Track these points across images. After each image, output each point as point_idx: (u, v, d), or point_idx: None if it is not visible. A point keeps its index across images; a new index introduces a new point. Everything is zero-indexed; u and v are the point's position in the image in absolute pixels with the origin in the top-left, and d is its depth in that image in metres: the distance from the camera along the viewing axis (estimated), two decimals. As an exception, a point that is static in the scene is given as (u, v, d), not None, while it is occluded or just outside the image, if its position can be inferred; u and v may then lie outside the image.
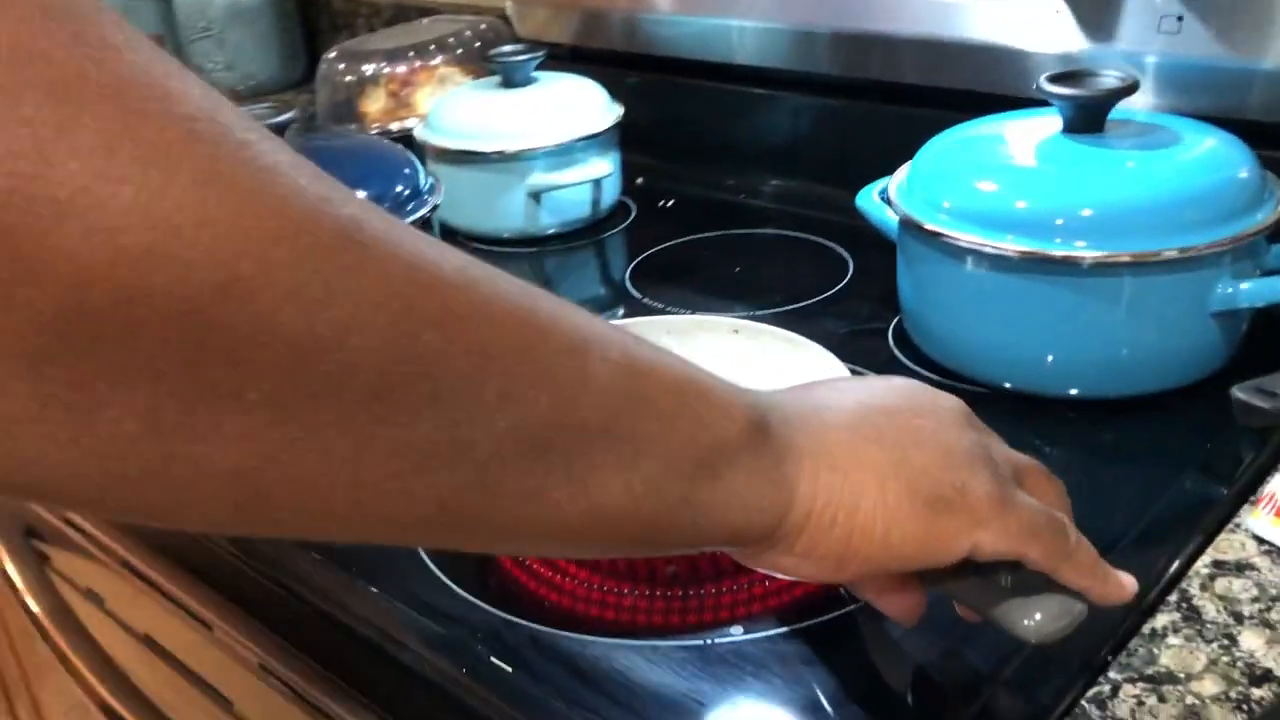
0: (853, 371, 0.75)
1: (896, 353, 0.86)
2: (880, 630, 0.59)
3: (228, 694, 0.80)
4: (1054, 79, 0.77)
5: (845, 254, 1.03)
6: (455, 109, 1.12)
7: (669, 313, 0.94)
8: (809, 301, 0.95)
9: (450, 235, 1.15)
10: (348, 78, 1.39)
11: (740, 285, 1.00)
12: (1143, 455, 0.73)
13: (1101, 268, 0.73)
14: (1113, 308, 0.74)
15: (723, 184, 1.22)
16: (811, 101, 1.17)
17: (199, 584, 0.78)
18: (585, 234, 1.14)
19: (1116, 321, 0.75)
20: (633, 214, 1.18)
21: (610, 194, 1.15)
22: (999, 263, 0.76)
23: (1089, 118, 0.77)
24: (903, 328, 0.87)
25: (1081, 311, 0.75)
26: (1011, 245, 0.75)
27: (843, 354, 0.79)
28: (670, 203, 1.20)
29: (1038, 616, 0.49)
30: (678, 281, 1.03)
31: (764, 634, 0.59)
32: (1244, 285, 0.73)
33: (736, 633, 0.60)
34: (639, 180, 1.23)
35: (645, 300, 0.99)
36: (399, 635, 0.62)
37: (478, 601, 0.63)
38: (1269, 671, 0.54)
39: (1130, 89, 0.76)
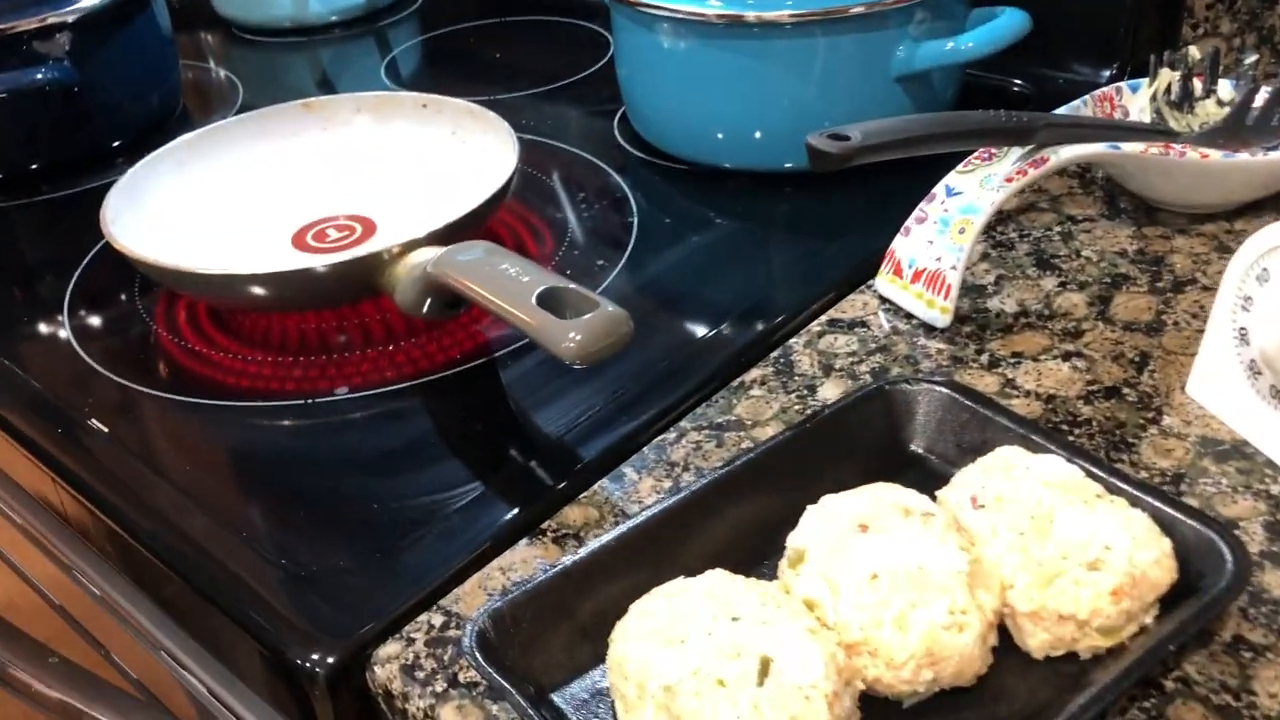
0: (564, 152, 0.74)
1: (620, 140, 0.84)
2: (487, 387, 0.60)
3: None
4: None
5: (610, 38, 1.00)
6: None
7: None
8: (556, 85, 0.93)
9: (221, 25, 1.11)
10: None
11: (497, 70, 0.98)
12: (822, 223, 0.72)
13: (795, 28, 0.71)
14: (807, 75, 0.72)
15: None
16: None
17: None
18: (365, 22, 1.10)
19: (812, 90, 0.73)
20: (417, 1, 1.14)
21: (389, -19, 1.11)
22: (700, 30, 0.73)
23: None
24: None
25: (780, 80, 0.73)
26: (710, 10, 0.72)
27: (565, 138, 0.78)
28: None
29: (577, 337, 0.49)
30: (452, 69, 1.01)
31: (370, 392, 0.60)
32: (928, 46, 0.71)
33: (341, 391, 0.60)
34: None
35: (417, 89, 0.96)
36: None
37: (112, 376, 0.64)
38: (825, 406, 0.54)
39: None
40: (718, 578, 0.43)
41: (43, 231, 0.81)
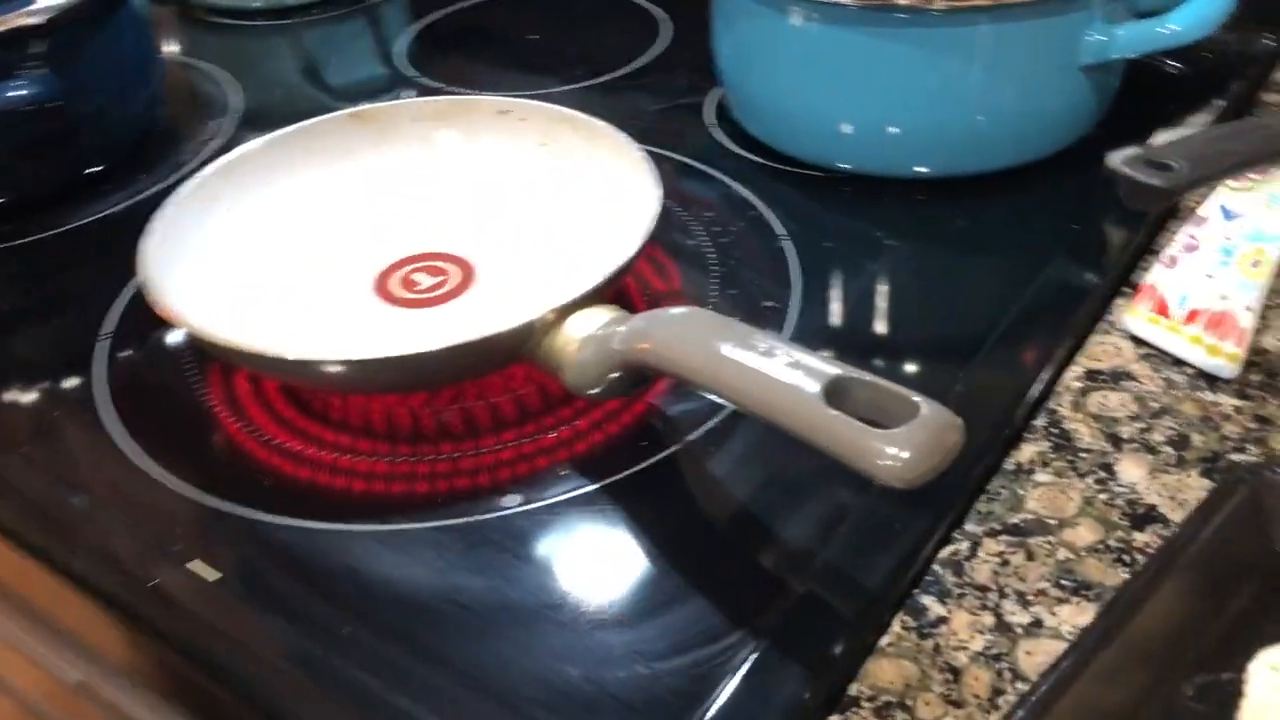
0: (659, 157, 0.61)
1: (716, 134, 0.71)
2: (702, 476, 0.48)
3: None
4: None
5: (661, 14, 0.87)
6: None
7: (450, 94, 0.78)
8: (616, 74, 0.80)
9: (184, 7, 0.94)
10: None
11: (536, 56, 0.84)
12: (1001, 242, 0.61)
13: (954, 15, 0.59)
14: (967, 65, 0.61)
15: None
16: None
17: None
18: (353, 1, 0.94)
19: (971, 82, 0.62)
20: (411, -26, 0.98)
21: (381, -49, 0.95)
22: (833, 14, 0.62)
23: None
24: (724, 103, 0.73)
25: (930, 71, 0.61)
26: (850, -8, 0.60)
27: (651, 138, 0.64)
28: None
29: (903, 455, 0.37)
30: (464, 56, 0.86)
31: (547, 501, 0.47)
32: (1118, 31, 0.61)
33: (512, 503, 0.47)
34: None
35: (422, 79, 0.82)
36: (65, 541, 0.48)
37: (178, 482, 0.49)
38: (1152, 509, 0.44)
39: None
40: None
41: (28, 290, 0.65)
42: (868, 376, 0.39)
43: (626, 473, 0.48)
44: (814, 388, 0.39)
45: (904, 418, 0.38)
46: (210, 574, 0.45)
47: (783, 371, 0.40)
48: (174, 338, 0.57)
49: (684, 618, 0.42)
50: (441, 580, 0.44)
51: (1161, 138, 0.65)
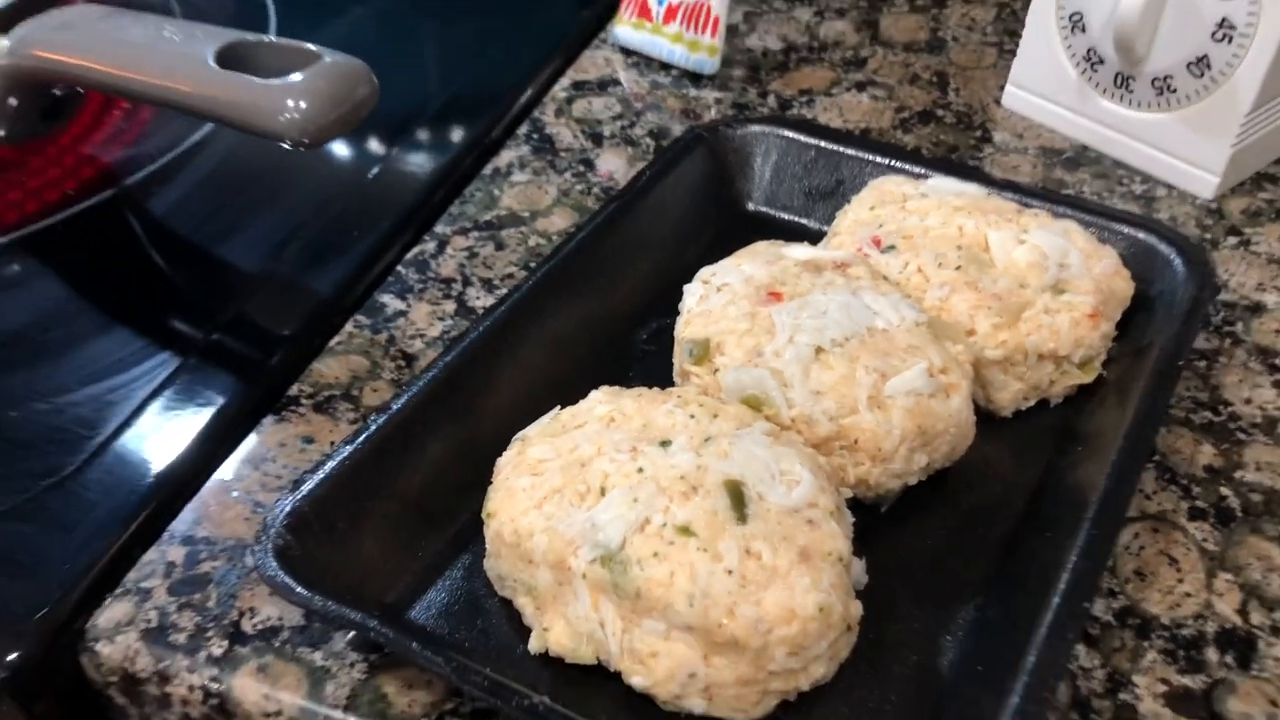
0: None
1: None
2: (144, 216, 0.42)
3: None
4: None
5: None
6: None
7: None
8: None
9: None
10: None
11: None
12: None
13: None
14: None
15: None
16: None
17: None
18: None
19: None
20: None
21: None
22: None
23: None
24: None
25: None
26: None
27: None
28: None
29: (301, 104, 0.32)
30: None
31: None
32: None
33: (-101, 266, 0.39)
34: None
35: None
36: None
37: None
38: (615, 186, 0.42)
39: None
40: (610, 396, 0.30)
41: None
42: (265, 37, 0.35)
43: (50, 221, 0.41)
44: (206, 51, 0.34)
45: (304, 68, 0.33)
46: None
47: (174, 42, 0.35)
48: None
49: (108, 346, 0.36)
50: None
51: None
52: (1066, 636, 0.26)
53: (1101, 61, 0.43)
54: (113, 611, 0.29)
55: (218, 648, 0.28)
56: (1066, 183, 0.43)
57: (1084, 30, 0.44)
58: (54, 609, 0.29)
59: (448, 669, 0.25)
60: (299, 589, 0.26)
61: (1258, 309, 0.38)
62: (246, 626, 0.29)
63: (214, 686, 0.28)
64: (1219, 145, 0.41)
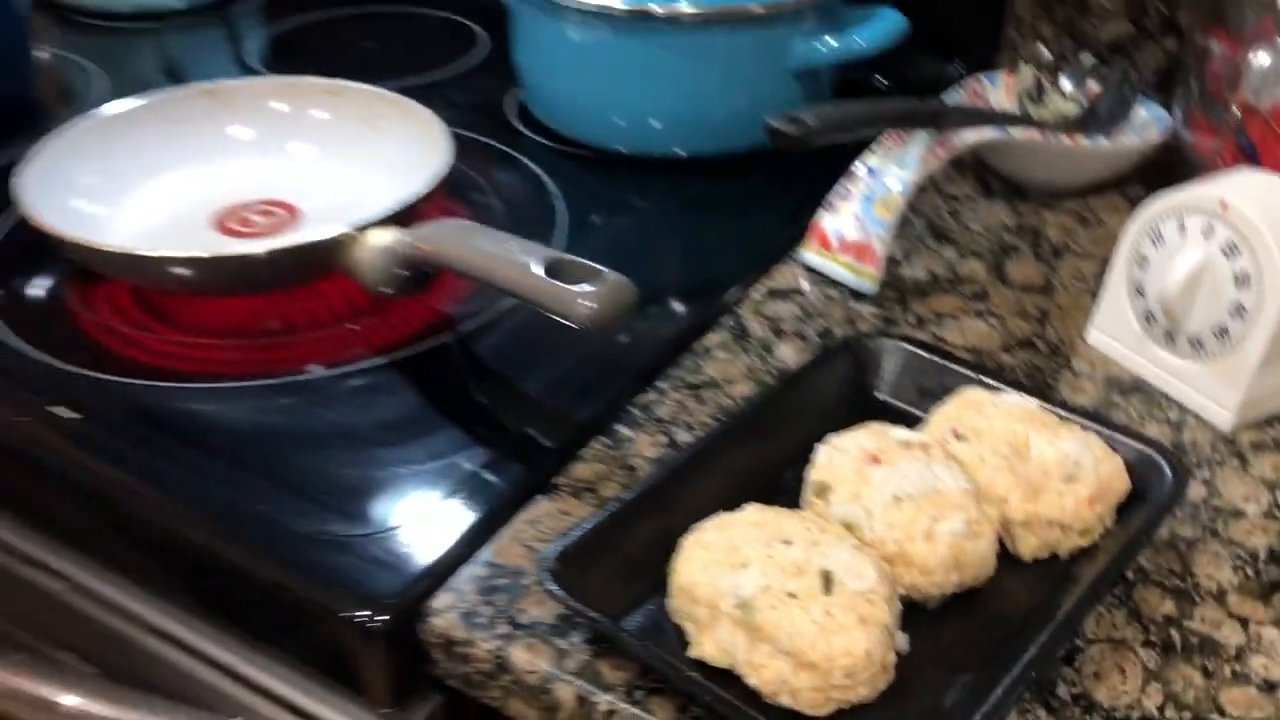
0: (465, 138, 0.76)
1: (516, 123, 0.87)
2: (468, 355, 0.62)
3: None
4: None
5: (480, 30, 1.02)
6: None
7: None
8: (438, 75, 0.94)
9: (53, 6, 1.06)
10: None
11: (372, 62, 0.97)
12: (728, 205, 0.77)
13: (698, 25, 0.76)
14: (708, 67, 0.78)
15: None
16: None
17: None
18: (213, 10, 1.07)
19: (711, 81, 0.78)
20: (267, -10, 1.12)
21: (240, -31, 1.09)
22: (604, 23, 0.78)
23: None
24: (522, 99, 0.89)
25: (682, 71, 0.78)
26: (617, 5, 0.76)
27: (462, 124, 0.79)
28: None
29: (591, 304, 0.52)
30: (309, 60, 0.99)
31: (340, 370, 0.61)
32: (819, 43, 0.78)
33: (314, 371, 0.61)
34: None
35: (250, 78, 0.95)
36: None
37: (50, 359, 0.61)
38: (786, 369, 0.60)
39: None
40: (757, 510, 0.47)
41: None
42: (571, 257, 0.55)
43: (406, 353, 0.62)
44: (538, 265, 0.54)
45: (592, 281, 0.53)
46: (71, 414, 0.58)
47: (517, 255, 0.55)
48: (44, 274, 0.69)
49: (442, 440, 0.56)
50: (260, 419, 0.58)
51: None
52: (1031, 674, 0.41)
53: (1155, 320, 0.59)
54: (440, 600, 0.48)
55: (502, 629, 0.47)
56: (1118, 404, 0.58)
57: (1143, 296, 0.59)
58: (405, 594, 0.48)
59: (646, 654, 0.43)
60: (566, 595, 0.44)
61: (1238, 514, 0.52)
62: (520, 619, 0.47)
63: (498, 653, 0.46)
64: (1234, 392, 0.56)
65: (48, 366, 0.61)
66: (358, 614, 0.47)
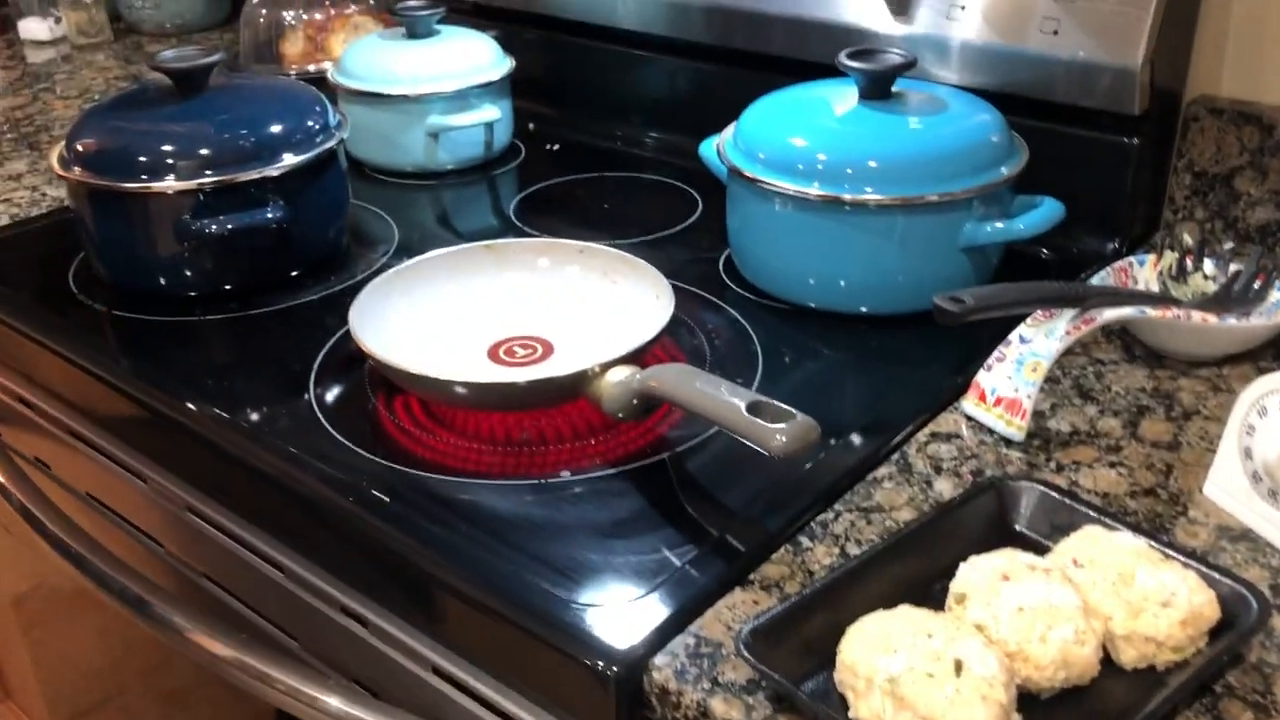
0: (682, 289, 0.93)
1: (724, 278, 1.04)
2: (680, 470, 0.78)
3: (160, 537, 0.97)
4: (851, 55, 0.96)
5: (698, 196, 1.21)
6: (364, 55, 1.27)
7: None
8: (661, 234, 1.13)
9: (356, 165, 1.30)
10: (269, 21, 1.53)
11: (607, 219, 1.18)
12: (902, 357, 0.92)
13: (881, 209, 0.92)
14: (889, 242, 0.93)
15: (602, 132, 1.38)
16: (683, 64, 1.33)
17: (132, 445, 0.94)
18: (479, 171, 1.30)
19: (892, 253, 0.94)
20: (522, 155, 1.34)
21: (501, 137, 1.31)
22: (803, 204, 0.94)
23: (877, 86, 0.96)
24: (731, 258, 1.06)
25: (866, 245, 0.94)
26: (814, 191, 0.93)
27: (680, 276, 0.97)
28: (556, 147, 1.37)
29: (782, 439, 0.67)
30: (556, 215, 1.20)
31: (585, 476, 0.78)
32: (986, 226, 0.92)
33: (564, 475, 0.78)
34: (530, 126, 1.39)
35: (526, 229, 1.15)
36: (300, 476, 0.79)
37: (362, 452, 0.81)
38: (942, 498, 0.73)
39: (908, 65, 0.94)
40: (908, 610, 0.61)
41: (262, 341, 0.98)
42: (770, 400, 0.70)
43: (633, 465, 0.78)
44: (742, 405, 0.70)
45: (784, 420, 0.68)
46: (384, 499, 0.76)
47: (726, 396, 0.71)
48: (354, 379, 0.89)
49: (661, 536, 0.72)
50: (522, 509, 0.75)
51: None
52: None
53: (1260, 479, 0.70)
54: (659, 659, 0.63)
55: (705, 685, 0.61)
56: (1226, 549, 0.69)
57: (1251, 459, 0.71)
58: (633, 652, 0.63)
59: (817, 712, 0.57)
60: (757, 661, 0.59)
61: (1319, 648, 0.63)
62: (719, 678, 0.61)
63: (701, 703, 0.61)
64: (1326, 545, 0.67)
65: (358, 455, 0.80)
66: (599, 663, 0.63)
